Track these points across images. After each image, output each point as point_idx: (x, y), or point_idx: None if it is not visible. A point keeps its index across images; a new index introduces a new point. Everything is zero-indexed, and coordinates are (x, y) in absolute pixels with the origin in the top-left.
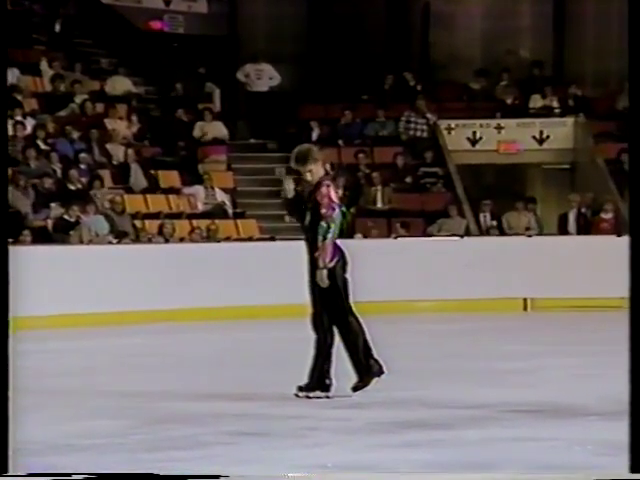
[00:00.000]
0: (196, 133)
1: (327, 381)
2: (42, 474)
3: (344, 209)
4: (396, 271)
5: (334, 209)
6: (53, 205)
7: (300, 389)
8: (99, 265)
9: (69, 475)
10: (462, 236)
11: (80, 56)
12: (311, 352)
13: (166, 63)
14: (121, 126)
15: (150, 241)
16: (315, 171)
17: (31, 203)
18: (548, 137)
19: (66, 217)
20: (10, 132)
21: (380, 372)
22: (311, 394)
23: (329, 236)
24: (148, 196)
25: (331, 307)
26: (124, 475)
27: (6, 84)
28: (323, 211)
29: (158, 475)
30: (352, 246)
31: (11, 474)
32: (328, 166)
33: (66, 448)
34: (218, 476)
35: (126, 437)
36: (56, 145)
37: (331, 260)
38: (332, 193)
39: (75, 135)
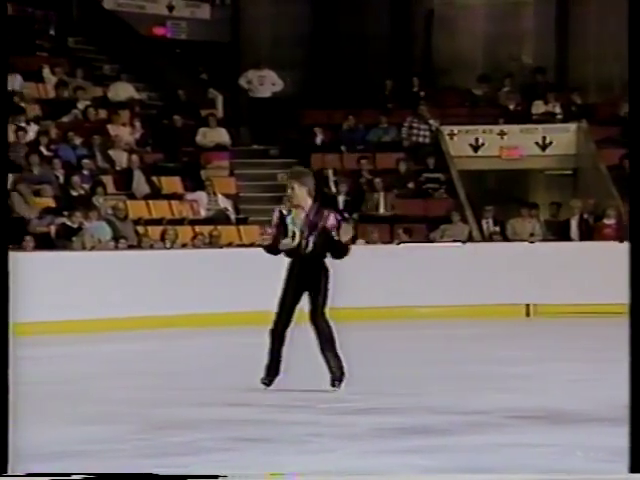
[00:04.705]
0: (199, 139)
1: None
2: (41, 474)
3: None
4: (398, 277)
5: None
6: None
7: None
8: (101, 271)
9: (68, 475)
10: (465, 242)
11: (83, 62)
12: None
13: (169, 69)
14: (124, 132)
15: (152, 247)
16: (297, 193)
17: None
18: (551, 143)
19: (69, 223)
20: (13, 138)
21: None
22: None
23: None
24: (150, 202)
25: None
26: (123, 475)
27: (6, 90)
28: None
29: (158, 475)
30: (354, 252)
31: (10, 474)
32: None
33: (64, 454)
34: (217, 476)
35: (125, 443)
36: (59, 151)
37: None
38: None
39: (78, 141)
